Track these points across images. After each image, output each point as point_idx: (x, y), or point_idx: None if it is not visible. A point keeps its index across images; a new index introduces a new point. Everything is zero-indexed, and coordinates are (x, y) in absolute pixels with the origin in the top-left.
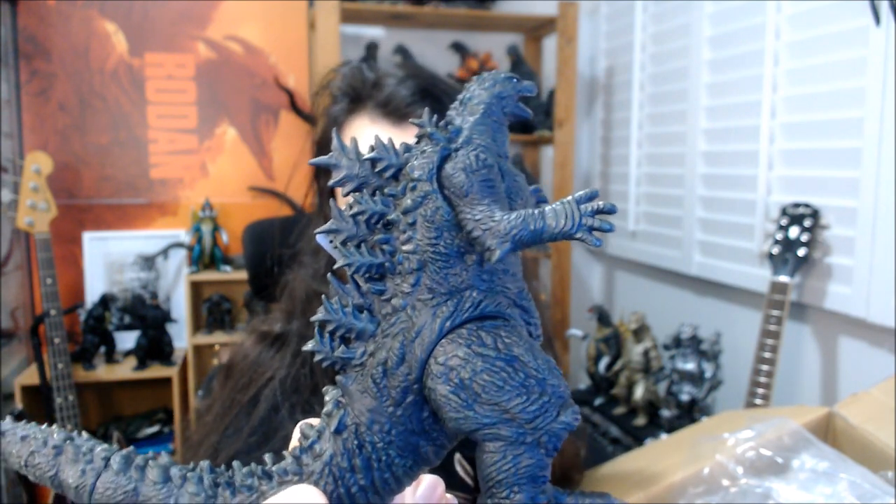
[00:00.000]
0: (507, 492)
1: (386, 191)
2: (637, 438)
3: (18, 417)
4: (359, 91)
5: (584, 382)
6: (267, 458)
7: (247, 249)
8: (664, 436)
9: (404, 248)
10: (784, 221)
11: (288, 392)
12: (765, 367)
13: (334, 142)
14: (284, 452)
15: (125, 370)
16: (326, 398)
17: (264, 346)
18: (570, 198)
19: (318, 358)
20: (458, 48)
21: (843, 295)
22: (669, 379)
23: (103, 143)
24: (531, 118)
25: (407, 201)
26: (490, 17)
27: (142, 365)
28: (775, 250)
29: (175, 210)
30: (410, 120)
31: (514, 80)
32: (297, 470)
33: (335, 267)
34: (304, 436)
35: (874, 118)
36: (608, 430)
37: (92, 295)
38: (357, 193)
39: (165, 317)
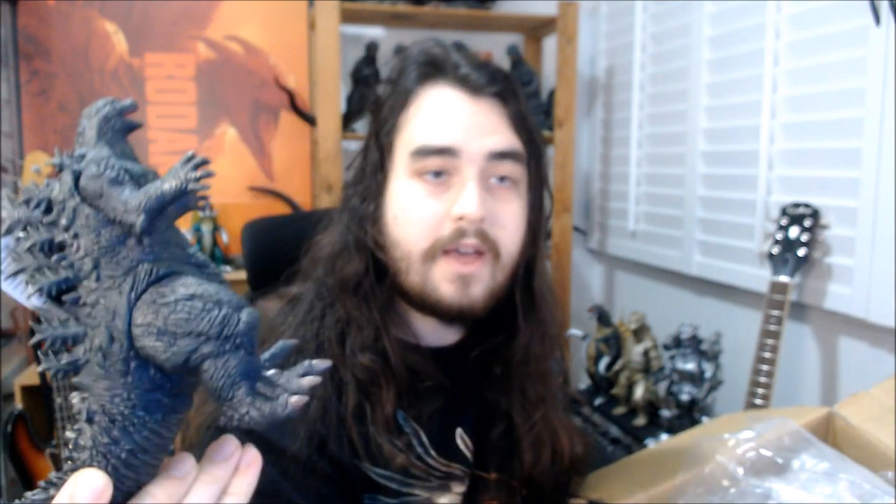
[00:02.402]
0: (230, 392)
1: (45, 220)
2: (637, 438)
3: (19, 417)
4: (439, 63)
5: (584, 382)
6: (51, 474)
7: (246, 248)
8: (664, 436)
9: (77, 255)
10: (784, 221)
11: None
12: (765, 367)
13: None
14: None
15: None
16: (73, 402)
17: (283, 307)
18: (177, 163)
19: (51, 373)
20: (458, 48)
21: (843, 295)
22: (669, 379)
23: None
24: (141, 125)
25: (63, 221)
26: (490, 17)
27: None
28: (775, 250)
29: None
30: (47, 161)
31: (114, 101)
32: (72, 467)
33: (29, 297)
34: (71, 441)
35: (874, 118)
36: (608, 430)
37: None
38: (24, 232)
39: None
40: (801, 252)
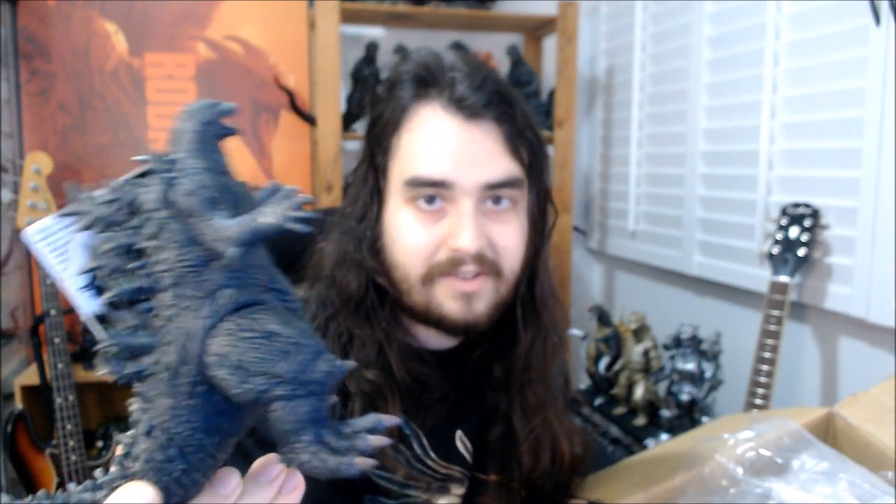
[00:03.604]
0: (295, 436)
1: (129, 224)
2: (637, 438)
3: (19, 417)
4: (433, 79)
5: (584, 382)
6: (97, 473)
7: None
8: (664, 436)
9: (157, 269)
10: (784, 221)
11: None
12: (765, 367)
13: (71, 194)
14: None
15: None
16: (131, 409)
17: None
18: (277, 196)
19: (113, 379)
20: (458, 48)
21: (843, 295)
22: (669, 379)
23: (103, 143)
24: (239, 132)
25: (148, 230)
26: (490, 17)
27: None
28: (775, 250)
29: None
30: (134, 158)
31: (214, 105)
32: (122, 474)
33: (105, 300)
34: (122, 444)
35: (874, 118)
36: (608, 430)
37: None
38: (105, 233)
39: None
40: (801, 252)
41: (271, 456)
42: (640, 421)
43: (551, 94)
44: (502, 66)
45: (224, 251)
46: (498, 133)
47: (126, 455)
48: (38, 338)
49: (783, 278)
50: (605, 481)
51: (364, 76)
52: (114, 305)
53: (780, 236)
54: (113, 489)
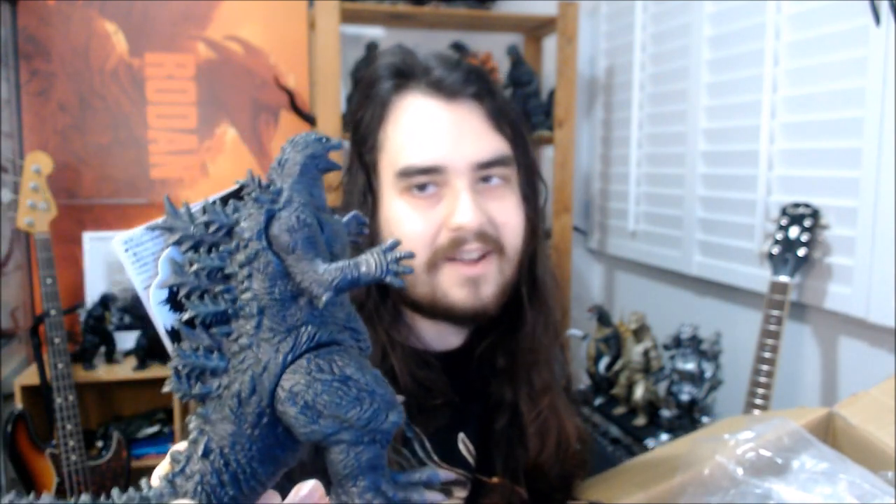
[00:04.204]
0: (353, 482)
1: (221, 248)
2: (637, 438)
3: (19, 417)
4: (409, 70)
5: (583, 382)
6: (142, 483)
7: None
8: (664, 436)
9: (244, 296)
10: (784, 221)
11: None
12: (765, 367)
13: (167, 207)
14: (156, 477)
15: (125, 370)
16: (190, 426)
17: None
18: (378, 248)
19: (178, 396)
20: (458, 48)
21: (843, 295)
22: (669, 379)
23: (103, 143)
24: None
25: (241, 257)
26: (490, 17)
27: (142, 365)
28: (775, 250)
29: None
30: (237, 182)
31: (323, 139)
32: (171, 491)
33: (184, 319)
34: (174, 461)
35: (874, 118)
36: (608, 430)
37: (92, 295)
38: (194, 252)
39: None
40: (801, 252)
41: (315, 484)
42: (640, 421)
43: (551, 94)
44: (502, 66)
45: (318, 294)
46: (480, 110)
47: (180, 471)
48: (38, 338)
49: (783, 278)
50: (605, 482)
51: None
52: (190, 324)
53: (780, 236)
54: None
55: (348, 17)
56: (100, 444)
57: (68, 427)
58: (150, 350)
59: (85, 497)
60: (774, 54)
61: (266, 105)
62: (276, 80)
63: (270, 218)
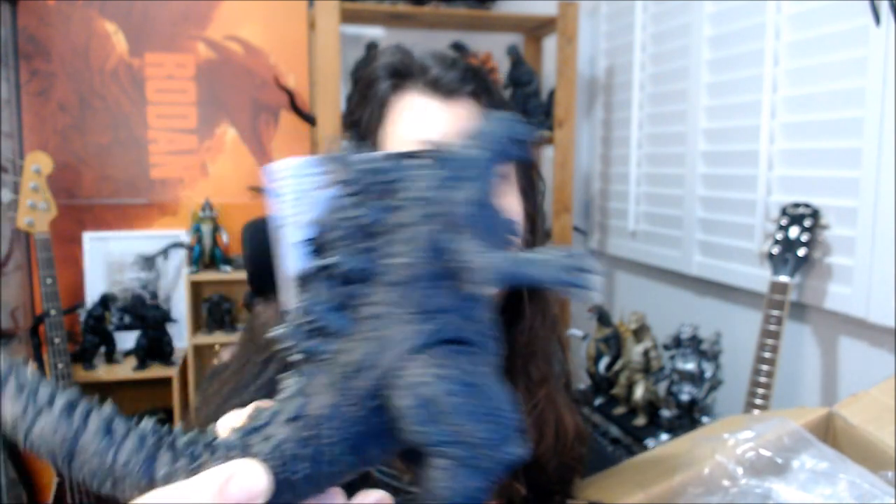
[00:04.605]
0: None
1: (384, 202)
2: (637, 438)
3: None
4: (406, 70)
5: (583, 382)
6: (210, 428)
7: (246, 248)
8: (664, 436)
9: (392, 261)
10: (784, 221)
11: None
12: (765, 367)
13: (343, 142)
14: (226, 428)
15: (125, 370)
16: (285, 384)
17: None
18: (563, 251)
19: (285, 346)
20: (458, 48)
21: (843, 295)
22: (669, 379)
23: (103, 143)
24: (533, 162)
25: (402, 217)
26: (490, 17)
27: (142, 365)
28: (775, 250)
29: (175, 210)
30: (420, 146)
31: (520, 125)
32: (243, 447)
33: (321, 264)
34: (254, 417)
35: (874, 118)
36: (608, 430)
37: (92, 295)
38: (354, 197)
39: (165, 317)
40: (801, 252)
41: (383, 495)
42: (640, 421)
43: (551, 94)
44: (502, 66)
45: (478, 280)
46: (478, 109)
47: (256, 431)
48: (38, 338)
49: (783, 278)
50: (604, 481)
51: None
52: (323, 274)
53: (780, 236)
54: (227, 458)
55: (348, 17)
56: None
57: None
58: (149, 350)
59: (146, 423)
60: (774, 54)
61: (266, 105)
62: (276, 80)
63: (448, 186)
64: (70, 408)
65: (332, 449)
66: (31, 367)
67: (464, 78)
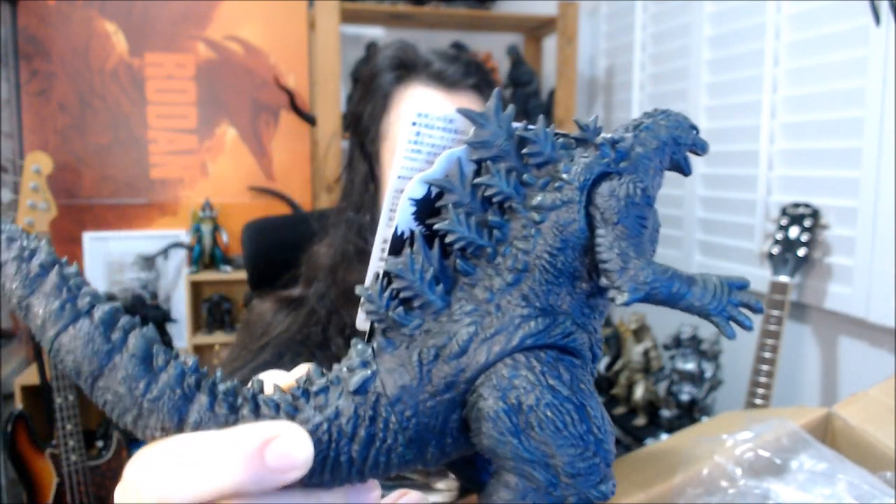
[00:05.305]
0: None
1: (525, 176)
2: (637, 438)
3: (19, 417)
4: (409, 62)
5: None
6: (255, 379)
7: (246, 248)
8: (664, 436)
9: (518, 244)
10: (784, 221)
11: (295, 343)
12: (765, 367)
13: (491, 101)
14: (274, 385)
15: None
16: (353, 351)
17: (280, 308)
18: (724, 279)
19: (366, 307)
20: (458, 48)
21: (843, 295)
22: (669, 379)
23: (103, 143)
24: (690, 174)
25: (545, 198)
26: (490, 17)
27: None
28: (775, 250)
29: (175, 210)
30: (575, 119)
31: (696, 130)
32: (290, 410)
33: (436, 227)
34: (310, 380)
35: (874, 118)
36: None
37: None
38: (490, 164)
39: (165, 317)
40: (801, 252)
41: (419, 496)
42: (640, 421)
43: (551, 94)
44: (502, 66)
45: (623, 288)
46: (480, 101)
47: (310, 396)
48: None
49: (783, 278)
50: None
51: None
52: (431, 241)
53: (780, 236)
54: (270, 417)
55: (348, 17)
56: (100, 444)
57: (68, 427)
58: None
59: (189, 358)
60: (774, 54)
61: (266, 105)
62: (276, 80)
63: (606, 174)
64: (111, 319)
65: (389, 436)
66: (75, 266)
67: (466, 71)
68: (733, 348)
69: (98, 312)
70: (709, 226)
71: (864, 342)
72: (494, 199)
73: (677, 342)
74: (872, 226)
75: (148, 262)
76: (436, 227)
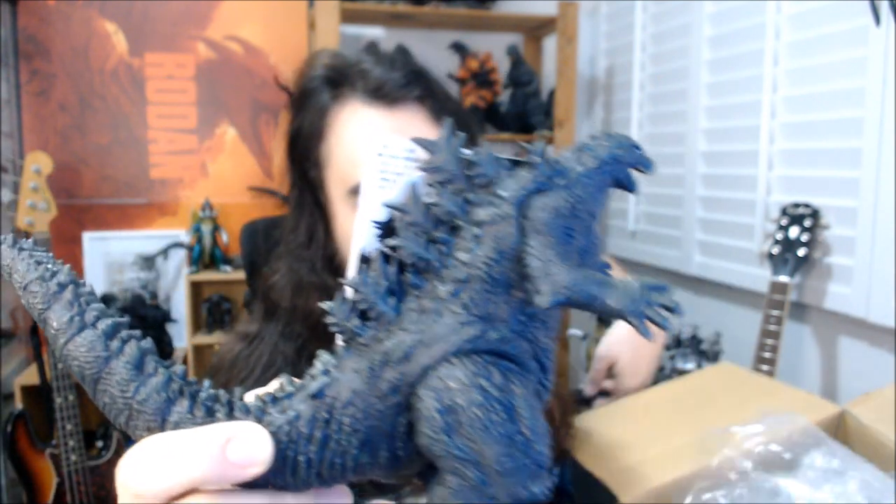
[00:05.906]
0: None
1: (469, 196)
2: None
3: (19, 417)
4: (343, 77)
5: (583, 382)
6: (237, 391)
7: (244, 248)
8: None
9: (460, 256)
10: (784, 221)
11: (268, 378)
12: (765, 368)
13: (444, 130)
14: (252, 394)
15: None
16: (317, 361)
17: (242, 346)
18: (643, 282)
19: (329, 320)
20: (458, 48)
21: (843, 295)
22: (669, 379)
23: (103, 143)
24: (636, 192)
25: (483, 214)
26: (490, 17)
27: None
28: (775, 250)
29: (175, 210)
30: (521, 144)
31: (638, 150)
32: (259, 413)
33: (387, 245)
34: (281, 388)
35: (874, 118)
36: None
37: None
38: (440, 186)
39: (165, 317)
40: (801, 252)
41: None
42: None
43: (551, 94)
44: (502, 66)
45: (544, 292)
46: (424, 113)
47: (277, 401)
48: (38, 338)
49: (783, 278)
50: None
51: None
52: (387, 257)
53: (780, 236)
54: (240, 419)
55: (348, 17)
56: (100, 444)
57: (68, 427)
58: None
59: (177, 367)
60: (774, 54)
61: (266, 105)
62: (276, 80)
63: (540, 190)
64: (112, 331)
65: (343, 437)
66: (88, 284)
67: (407, 82)
68: (733, 348)
69: (102, 325)
70: (709, 226)
71: (864, 342)
72: (444, 218)
73: (677, 342)
74: (872, 226)
75: (148, 262)
76: (389, 244)
